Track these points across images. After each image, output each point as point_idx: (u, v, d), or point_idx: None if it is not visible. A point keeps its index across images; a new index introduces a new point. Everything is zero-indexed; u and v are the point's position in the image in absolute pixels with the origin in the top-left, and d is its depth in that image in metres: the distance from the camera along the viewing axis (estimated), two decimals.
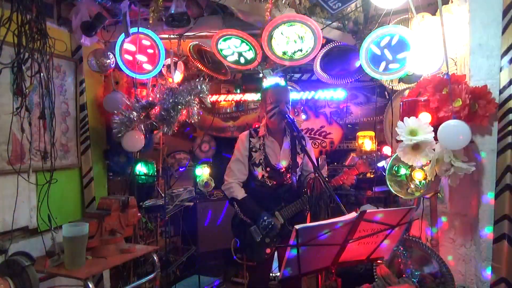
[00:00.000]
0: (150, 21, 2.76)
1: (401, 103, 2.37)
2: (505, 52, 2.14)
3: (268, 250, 2.59)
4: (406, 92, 2.69)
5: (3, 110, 2.38)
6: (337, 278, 3.20)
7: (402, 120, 2.10)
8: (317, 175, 2.32)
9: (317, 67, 3.08)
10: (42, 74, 2.11)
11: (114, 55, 3.02)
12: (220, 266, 4.11)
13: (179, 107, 2.87)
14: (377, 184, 3.32)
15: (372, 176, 3.68)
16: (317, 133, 4.72)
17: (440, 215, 2.41)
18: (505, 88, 2.13)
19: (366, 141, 4.09)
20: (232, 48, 2.89)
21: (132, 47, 2.96)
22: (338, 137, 4.72)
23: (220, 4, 2.72)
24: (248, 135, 2.76)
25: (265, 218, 2.52)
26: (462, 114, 2.08)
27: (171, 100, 2.86)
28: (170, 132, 2.97)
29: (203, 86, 2.96)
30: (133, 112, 2.88)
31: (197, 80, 2.99)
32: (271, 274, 3.29)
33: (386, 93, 4.05)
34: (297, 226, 1.48)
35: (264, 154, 2.68)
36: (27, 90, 2.05)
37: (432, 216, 2.38)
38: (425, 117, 2.21)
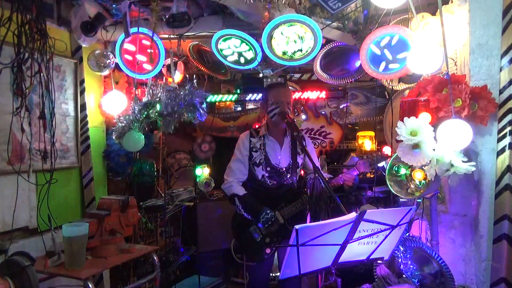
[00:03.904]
0: (153, 27, 2.76)
1: (401, 103, 2.37)
2: (505, 52, 2.14)
3: (268, 250, 2.59)
4: (406, 92, 2.69)
5: (3, 110, 2.37)
6: (337, 278, 3.20)
7: (402, 120, 2.10)
8: (317, 175, 2.32)
9: (317, 67, 3.08)
10: (42, 74, 2.11)
11: (114, 55, 3.02)
12: (220, 266, 4.11)
13: (181, 108, 2.87)
14: (377, 184, 3.31)
15: (372, 176, 3.68)
16: (317, 133, 4.72)
17: (440, 215, 2.41)
18: (505, 88, 2.13)
19: (366, 141, 4.10)
20: (232, 48, 2.89)
21: (132, 47, 2.96)
22: (338, 137, 4.72)
23: (220, 4, 2.72)
24: (249, 135, 2.76)
25: (268, 211, 2.52)
26: (462, 114, 2.08)
27: (173, 101, 2.86)
28: (171, 130, 2.97)
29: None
30: (133, 112, 2.88)
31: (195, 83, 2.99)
32: (271, 274, 3.29)
33: (386, 93, 4.05)
34: (297, 226, 1.48)
35: (265, 154, 2.68)
36: (27, 90, 2.05)
37: (432, 216, 2.38)
38: (425, 117, 2.21)
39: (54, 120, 2.23)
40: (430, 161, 2.10)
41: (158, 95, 2.93)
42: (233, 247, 2.70)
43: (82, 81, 3.09)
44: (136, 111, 2.87)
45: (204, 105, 2.94)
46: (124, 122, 2.86)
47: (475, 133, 2.18)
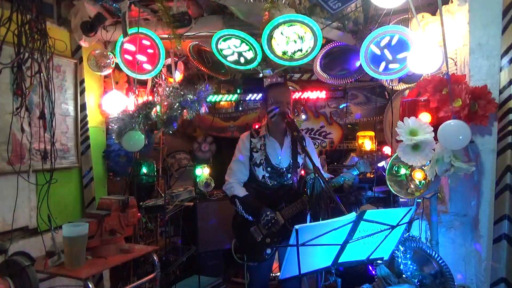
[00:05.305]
0: (149, 18, 2.73)
1: (401, 103, 2.37)
2: (505, 52, 2.14)
3: (268, 250, 2.59)
4: (406, 92, 2.69)
5: (3, 110, 2.38)
6: (337, 278, 3.20)
7: (402, 120, 2.10)
8: (317, 175, 2.31)
9: (317, 67, 3.08)
10: (42, 74, 2.11)
11: (114, 55, 3.02)
12: (220, 266, 4.11)
13: (183, 107, 2.88)
14: (377, 184, 3.31)
15: (372, 176, 3.68)
16: (317, 133, 4.73)
17: (440, 215, 2.42)
18: (505, 88, 2.13)
19: (366, 141, 4.10)
20: (232, 48, 2.89)
21: (132, 47, 2.96)
22: (338, 137, 4.73)
23: (220, 4, 2.72)
24: (249, 135, 2.76)
25: (268, 213, 2.51)
26: (462, 114, 2.08)
27: (176, 100, 2.87)
28: (172, 130, 2.97)
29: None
30: (134, 112, 2.88)
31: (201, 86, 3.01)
32: (271, 274, 3.28)
33: (386, 93, 4.06)
34: (297, 226, 1.48)
35: (265, 154, 2.68)
36: (27, 90, 2.05)
37: (432, 216, 2.38)
38: (425, 117, 2.21)
39: (54, 120, 2.24)
40: (430, 161, 2.10)
41: (159, 95, 2.94)
42: (234, 247, 2.70)
43: (82, 81, 3.09)
44: (136, 111, 2.87)
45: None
46: (120, 122, 2.85)
47: (475, 133, 2.19)
